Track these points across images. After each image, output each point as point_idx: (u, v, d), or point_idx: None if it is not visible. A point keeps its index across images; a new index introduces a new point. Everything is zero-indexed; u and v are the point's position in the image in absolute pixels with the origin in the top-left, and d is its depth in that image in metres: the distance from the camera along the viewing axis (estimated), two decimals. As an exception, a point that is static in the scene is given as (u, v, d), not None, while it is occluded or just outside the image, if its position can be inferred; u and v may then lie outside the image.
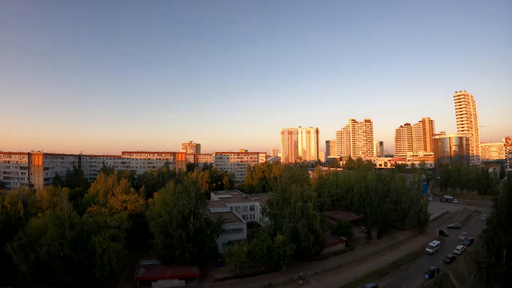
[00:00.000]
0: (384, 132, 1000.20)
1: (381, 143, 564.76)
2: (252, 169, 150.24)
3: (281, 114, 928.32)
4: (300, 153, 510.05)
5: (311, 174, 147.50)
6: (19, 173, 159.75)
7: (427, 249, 68.58)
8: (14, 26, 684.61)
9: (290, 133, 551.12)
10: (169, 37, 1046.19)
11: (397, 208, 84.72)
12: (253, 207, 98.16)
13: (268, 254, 56.64)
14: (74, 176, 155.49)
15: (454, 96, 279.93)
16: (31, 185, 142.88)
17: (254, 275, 57.80)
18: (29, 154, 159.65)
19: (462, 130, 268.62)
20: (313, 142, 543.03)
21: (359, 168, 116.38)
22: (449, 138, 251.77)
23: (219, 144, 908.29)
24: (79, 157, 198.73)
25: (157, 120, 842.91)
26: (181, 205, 58.63)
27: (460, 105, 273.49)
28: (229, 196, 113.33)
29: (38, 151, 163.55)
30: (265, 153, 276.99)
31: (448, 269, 57.67)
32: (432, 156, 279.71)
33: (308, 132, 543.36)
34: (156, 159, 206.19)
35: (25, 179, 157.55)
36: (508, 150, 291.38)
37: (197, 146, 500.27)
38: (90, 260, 49.03)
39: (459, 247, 69.04)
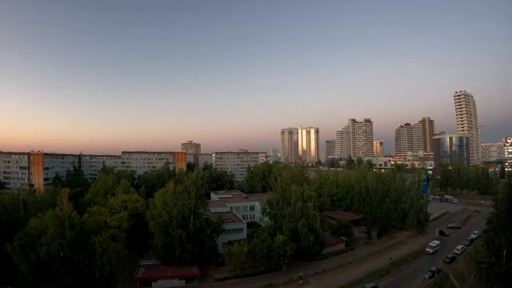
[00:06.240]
0: (384, 132, 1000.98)
1: (381, 143, 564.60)
2: (252, 169, 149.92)
3: (281, 114, 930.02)
4: (300, 153, 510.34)
5: (311, 174, 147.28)
6: (19, 173, 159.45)
7: (427, 249, 68.58)
8: (13, 25, 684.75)
9: (290, 133, 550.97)
10: (169, 36, 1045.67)
11: (397, 208, 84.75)
12: (253, 207, 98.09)
13: (268, 254, 56.65)
14: (74, 176, 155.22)
15: (454, 96, 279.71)
16: (31, 185, 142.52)
17: (254, 275, 57.82)
18: (29, 154, 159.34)
19: (462, 130, 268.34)
20: (313, 142, 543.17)
21: (359, 168, 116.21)
22: (449, 138, 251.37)
23: (219, 144, 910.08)
24: (79, 157, 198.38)
25: (157, 120, 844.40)
26: (181, 205, 58.61)
27: (460, 105, 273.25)
28: (229, 196, 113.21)
29: (38, 151, 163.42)
30: (265, 153, 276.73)
31: (448, 269, 57.66)
32: (432, 156, 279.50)
33: (308, 132, 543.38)
34: (156, 159, 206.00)
35: (25, 179, 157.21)
36: (508, 150, 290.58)
37: (197, 146, 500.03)
38: (90, 260, 48.95)
39: (459, 247, 69.05)
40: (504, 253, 41.77)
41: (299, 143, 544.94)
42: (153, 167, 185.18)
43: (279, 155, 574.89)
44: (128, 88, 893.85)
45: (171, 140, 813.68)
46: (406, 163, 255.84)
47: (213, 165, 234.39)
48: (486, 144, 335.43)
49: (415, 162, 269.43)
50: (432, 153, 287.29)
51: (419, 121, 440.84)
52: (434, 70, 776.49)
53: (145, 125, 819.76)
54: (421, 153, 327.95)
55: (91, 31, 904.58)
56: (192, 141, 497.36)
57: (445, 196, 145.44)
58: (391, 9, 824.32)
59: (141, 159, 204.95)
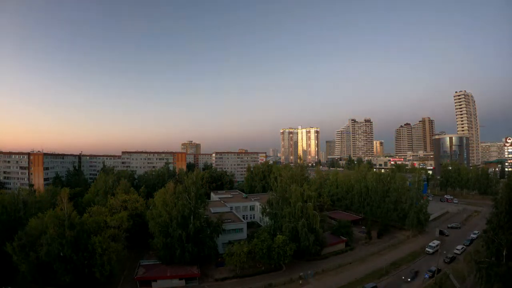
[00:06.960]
0: (384, 132, 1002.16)
1: (381, 143, 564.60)
2: (252, 169, 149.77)
3: (281, 114, 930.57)
4: (300, 153, 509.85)
5: (311, 174, 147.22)
6: (19, 173, 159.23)
7: (427, 249, 68.61)
8: (13, 25, 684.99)
9: (290, 133, 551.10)
10: (170, 37, 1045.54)
11: (397, 208, 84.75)
12: (253, 207, 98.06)
13: (268, 254, 56.65)
14: (74, 176, 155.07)
15: (454, 96, 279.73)
16: (31, 185, 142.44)
17: (254, 275, 57.83)
18: (29, 154, 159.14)
19: (462, 130, 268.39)
20: (313, 142, 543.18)
21: (359, 168, 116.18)
22: (449, 138, 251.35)
23: (219, 144, 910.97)
24: (79, 157, 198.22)
25: (157, 120, 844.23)
26: (181, 205, 58.58)
27: (460, 105, 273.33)
28: (229, 196, 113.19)
29: (38, 151, 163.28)
30: (265, 153, 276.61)
31: (448, 269, 57.65)
32: (432, 156, 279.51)
33: (308, 132, 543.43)
34: (156, 159, 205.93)
35: (25, 179, 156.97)
36: (508, 150, 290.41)
37: (197, 146, 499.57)
38: (90, 260, 48.94)
39: (459, 247, 69.06)
40: (504, 253, 41.74)
41: (299, 143, 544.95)
42: (153, 167, 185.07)
43: (279, 155, 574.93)
44: (128, 88, 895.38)
45: (171, 140, 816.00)
46: (406, 163, 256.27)
47: (213, 165, 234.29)
48: (486, 144, 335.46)
49: (415, 162, 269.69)
50: (432, 153, 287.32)
51: (419, 121, 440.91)
52: (434, 70, 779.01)
53: (145, 125, 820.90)
54: (421, 153, 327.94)
55: (92, 31, 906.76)
56: (192, 141, 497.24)
57: (445, 196, 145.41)
58: (391, 8, 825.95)
59: (141, 159, 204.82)
